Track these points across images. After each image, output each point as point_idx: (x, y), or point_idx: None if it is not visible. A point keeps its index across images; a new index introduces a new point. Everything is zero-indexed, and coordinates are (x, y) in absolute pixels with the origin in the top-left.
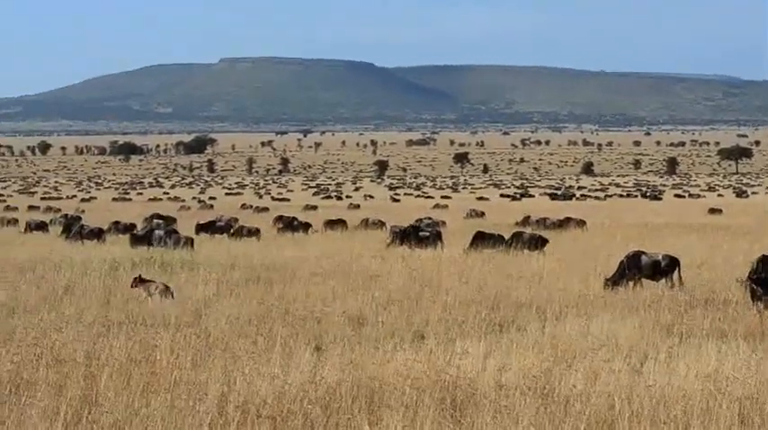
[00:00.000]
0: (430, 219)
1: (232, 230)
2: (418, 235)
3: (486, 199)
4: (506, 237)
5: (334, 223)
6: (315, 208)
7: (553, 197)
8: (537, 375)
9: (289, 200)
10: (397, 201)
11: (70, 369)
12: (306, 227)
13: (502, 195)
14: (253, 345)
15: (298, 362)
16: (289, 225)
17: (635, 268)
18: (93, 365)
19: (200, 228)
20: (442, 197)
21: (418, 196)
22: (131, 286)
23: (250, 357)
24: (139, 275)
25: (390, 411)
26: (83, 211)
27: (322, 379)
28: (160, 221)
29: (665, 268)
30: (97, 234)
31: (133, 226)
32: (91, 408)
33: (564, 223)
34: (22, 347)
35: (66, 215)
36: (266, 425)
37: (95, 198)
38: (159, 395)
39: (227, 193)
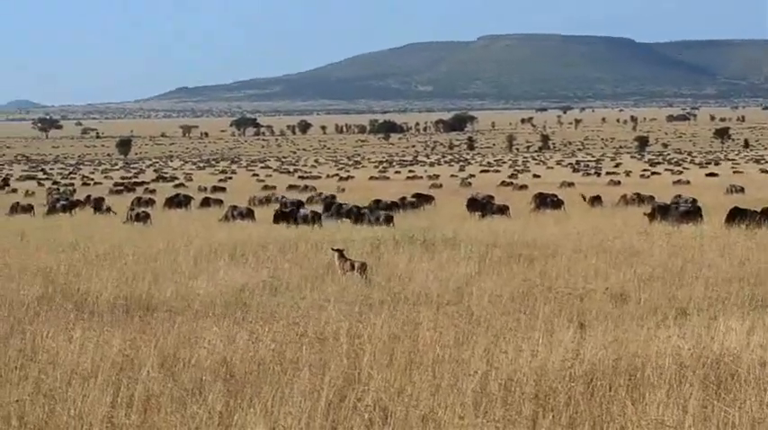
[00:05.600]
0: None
1: (481, 209)
2: (678, 210)
3: (748, 173)
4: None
5: (594, 199)
6: (572, 184)
7: None
8: None
9: (545, 177)
10: (656, 175)
11: (332, 347)
12: (560, 203)
13: (762, 170)
14: (515, 323)
15: (560, 340)
16: (543, 202)
17: None
18: (355, 344)
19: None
20: (701, 172)
21: (677, 171)
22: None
23: (513, 335)
24: (341, 250)
25: (653, 389)
26: (342, 190)
27: (584, 356)
28: (413, 200)
29: None
30: (355, 213)
31: (394, 204)
32: (354, 386)
33: None
34: (284, 326)
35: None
36: (530, 403)
37: (353, 177)
38: (422, 373)
39: (482, 171)
